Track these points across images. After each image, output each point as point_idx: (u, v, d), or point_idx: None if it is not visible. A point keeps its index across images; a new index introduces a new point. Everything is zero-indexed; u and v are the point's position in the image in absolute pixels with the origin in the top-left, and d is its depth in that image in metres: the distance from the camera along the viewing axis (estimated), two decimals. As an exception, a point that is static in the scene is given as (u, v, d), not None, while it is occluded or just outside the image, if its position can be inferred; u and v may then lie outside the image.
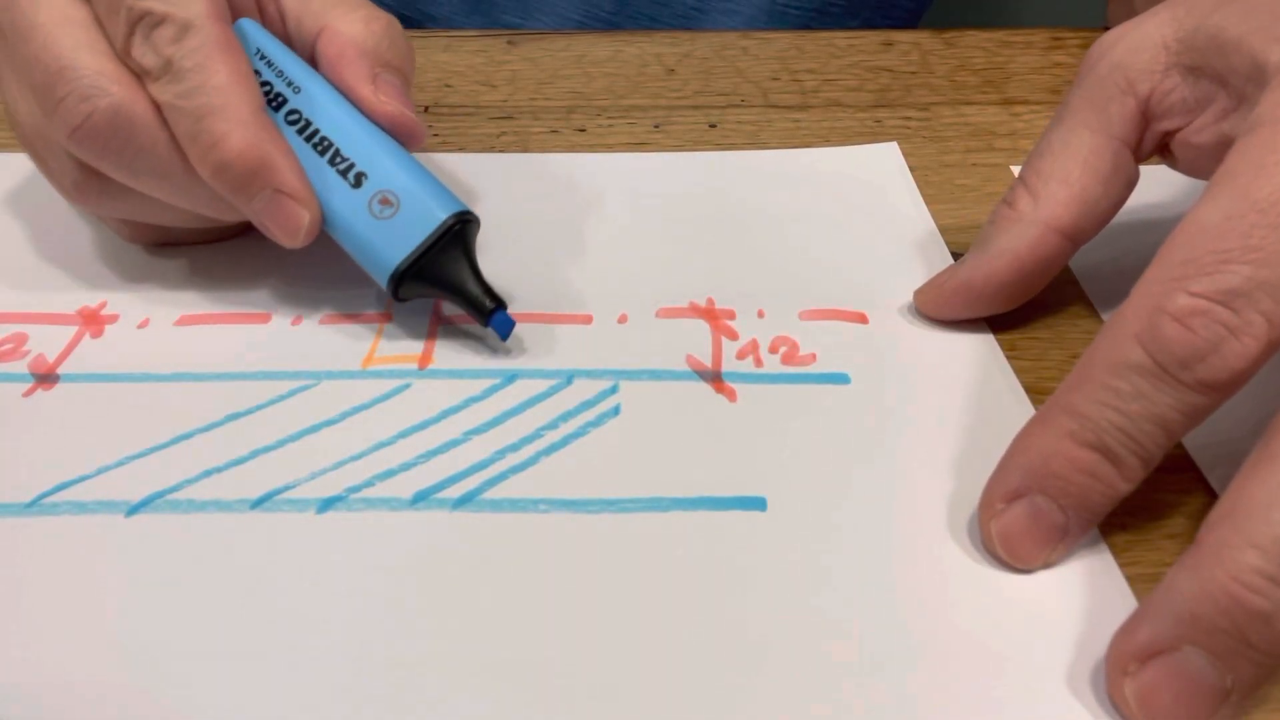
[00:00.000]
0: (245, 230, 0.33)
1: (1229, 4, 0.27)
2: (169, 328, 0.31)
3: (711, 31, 0.48)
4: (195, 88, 0.28)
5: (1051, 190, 0.29)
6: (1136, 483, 0.24)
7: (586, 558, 0.25)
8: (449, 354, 0.30)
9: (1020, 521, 0.24)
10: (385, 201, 0.29)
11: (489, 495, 0.26)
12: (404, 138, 0.31)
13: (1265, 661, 0.21)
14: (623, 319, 0.31)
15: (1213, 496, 0.27)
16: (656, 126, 0.41)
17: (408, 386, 0.29)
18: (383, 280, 0.30)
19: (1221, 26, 0.27)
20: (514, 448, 0.27)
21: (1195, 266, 0.23)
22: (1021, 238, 0.29)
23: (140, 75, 0.29)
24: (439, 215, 0.29)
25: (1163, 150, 0.30)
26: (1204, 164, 0.28)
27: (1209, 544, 0.21)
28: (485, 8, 0.54)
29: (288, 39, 0.32)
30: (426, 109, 0.41)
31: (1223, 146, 0.27)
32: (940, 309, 0.31)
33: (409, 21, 0.53)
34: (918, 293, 0.32)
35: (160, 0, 0.28)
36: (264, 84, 0.30)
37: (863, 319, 0.32)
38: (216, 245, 0.34)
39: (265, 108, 0.29)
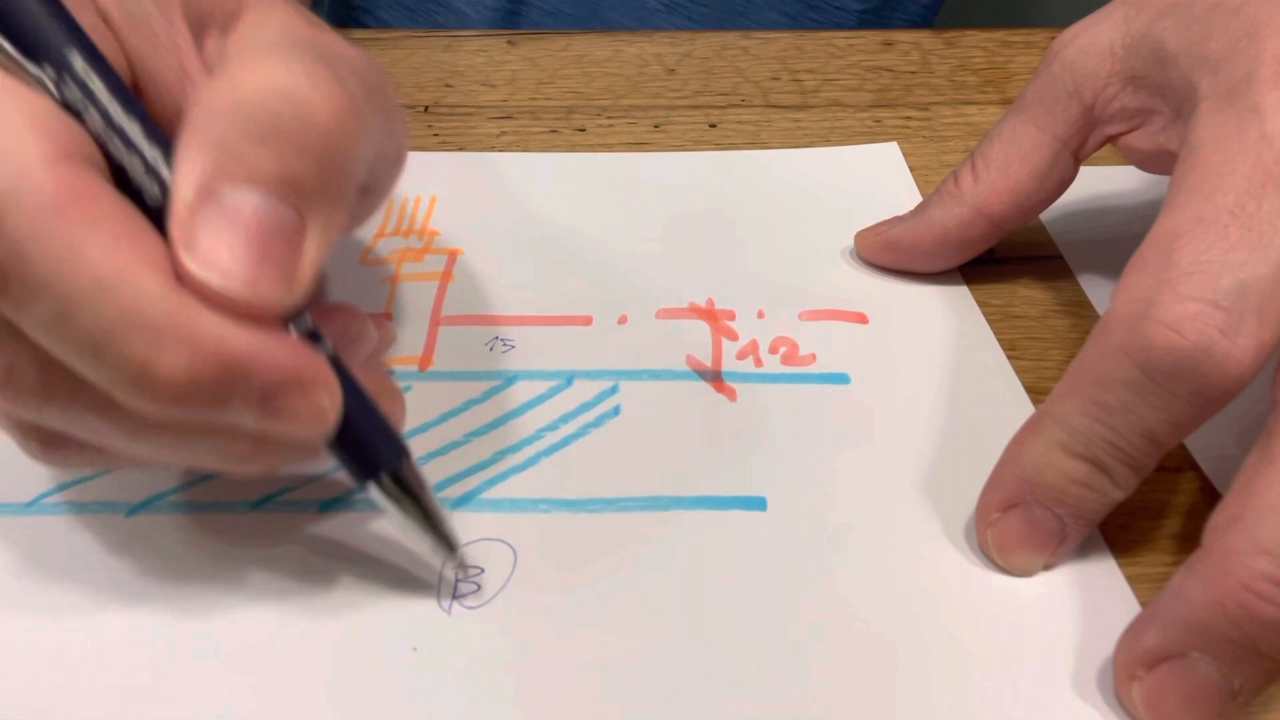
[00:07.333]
0: None
1: (1172, 12, 0.27)
2: (169, 328, 0.31)
3: (711, 31, 0.48)
4: (60, 308, 0.17)
5: (991, 177, 0.31)
6: (1131, 489, 0.24)
7: (586, 558, 0.25)
8: (449, 355, 0.30)
9: (1017, 529, 0.24)
10: None
11: (489, 495, 0.26)
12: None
13: (1274, 666, 0.21)
14: (622, 319, 0.31)
15: (1213, 496, 0.27)
16: (656, 126, 0.41)
17: (408, 389, 0.29)
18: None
19: (1162, 39, 0.27)
20: (514, 449, 0.27)
21: (1178, 270, 0.22)
22: (952, 215, 0.32)
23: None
24: None
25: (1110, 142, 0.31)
26: (1149, 164, 0.30)
27: (1217, 550, 0.21)
28: None
29: None
30: (427, 109, 0.41)
31: (1163, 154, 0.28)
32: (871, 255, 0.34)
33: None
34: (858, 235, 0.34)
35: None
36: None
37: (863, 319, 0.32)
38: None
39: (166, 259, 0.18)
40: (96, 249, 0.17)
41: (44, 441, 0.21)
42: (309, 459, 0.22)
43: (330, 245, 0.20)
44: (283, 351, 0.19)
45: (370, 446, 0.21)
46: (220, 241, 0.18)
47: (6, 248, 0.17)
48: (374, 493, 0.22)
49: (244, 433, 0.20)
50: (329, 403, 0.19)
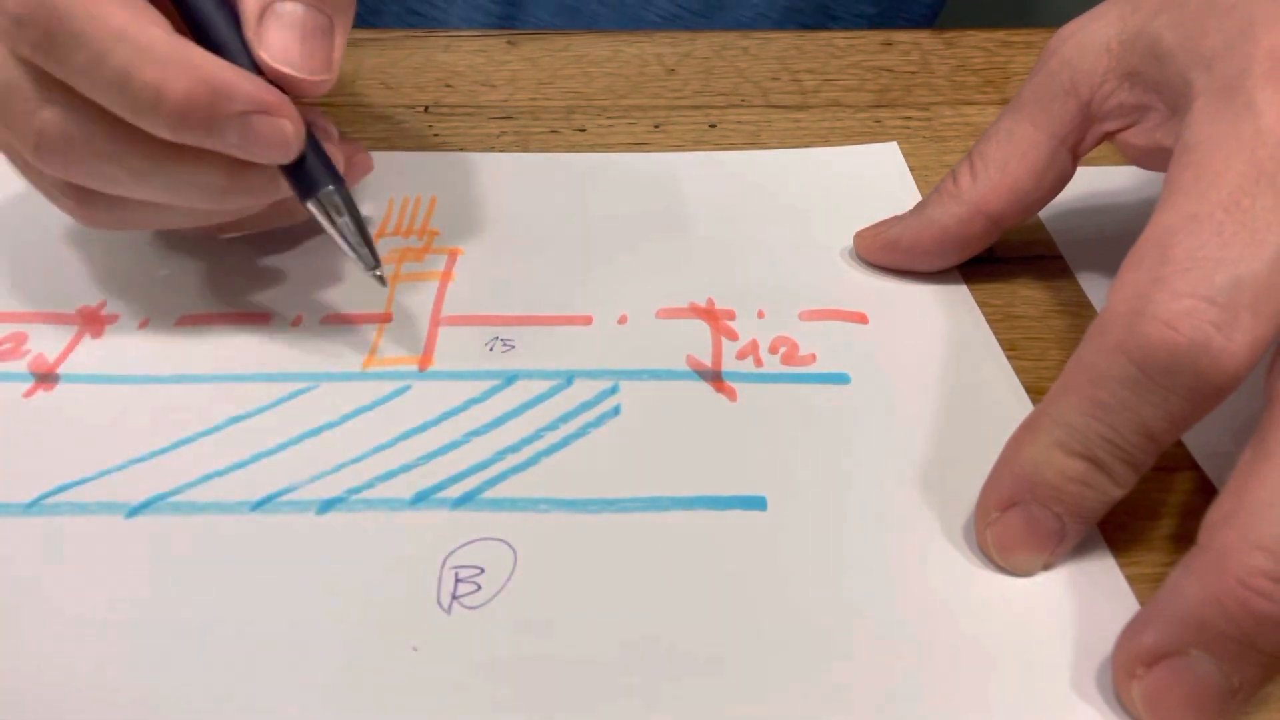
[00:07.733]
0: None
1: (1168, 8, 0.27)
2: (169, 328, 0.31)
3: (711, 31, 0.48)
4: (96, 53, 0.24)
5: (990, 176, 0.31)
6: (1130, 486, 0.24)
7: (586, 558, 0.25)
8: (449, 355, 0.30)
9: (1016, 529, 0.24)
10: None
11: (489, 495, 0.26)
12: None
13: (1272, 662, 0.21)
14: (623, 319, 0.31)
15: (1211, 494, 0.27)
16: (656, 126, 0.41)
17: (408, 389, 0.29)
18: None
19: (1159, 35, 0.27)
20: (514, 448, 0.27)
21: (1173, 266, 0.22)
22: (951, 214, 0.32)
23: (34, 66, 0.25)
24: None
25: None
26: (1144, 161, 0.30)
27: (1213, 547, 0.21)
28: None
29: None
30: (427, 109, 0.41)
31: (1158, 151, 0.28)
32: (871, 255, 0.34)
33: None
34: (857, 235, 0.34)
35: None
36: None
37: (863, 319, 0.32)
38: (215, 244, 0.34)
39: (170, 28, 0.26)
40: (118, 10, 0.25)
41: (78, 199, 0.28)
42: (269, 193, 0.28)
43: (345, 40, 0.28)
44: (257, 85, 0.26)
45: (313, 173, 0.28)
46: (284, 39, 0.27)
47: (55, 16, 0.24)
48: (310, 207, 0.28)
49: (224, 164, 0.27)
50: (291, 129, 0.26)
